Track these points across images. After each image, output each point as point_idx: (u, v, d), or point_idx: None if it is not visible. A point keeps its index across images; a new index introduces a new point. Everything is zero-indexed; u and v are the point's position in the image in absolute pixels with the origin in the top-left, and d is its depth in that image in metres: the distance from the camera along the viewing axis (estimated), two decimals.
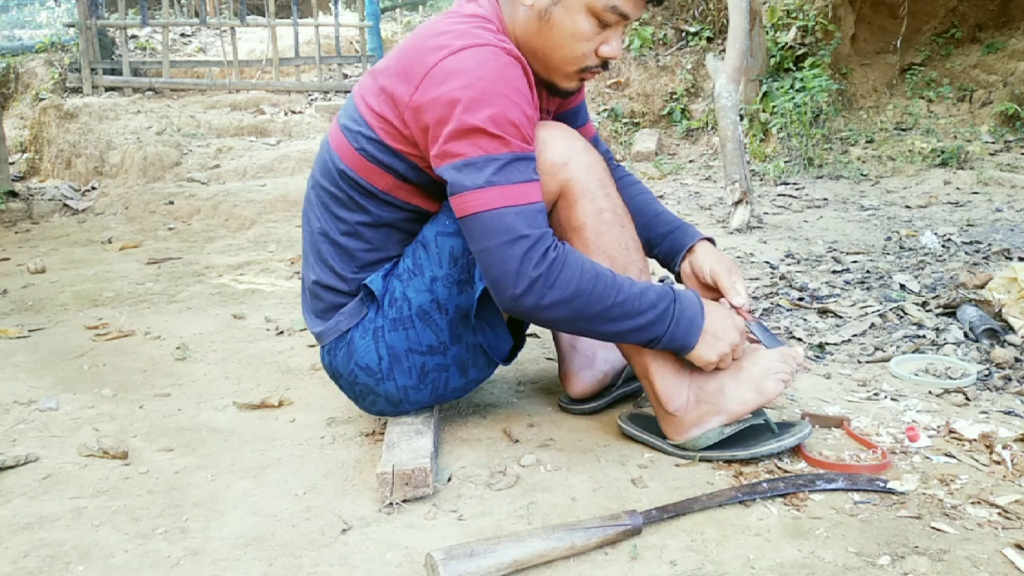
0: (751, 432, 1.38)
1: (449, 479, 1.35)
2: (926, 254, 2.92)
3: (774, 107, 5.18)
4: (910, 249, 3.02)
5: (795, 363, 1.38)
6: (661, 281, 1.43)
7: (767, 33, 5.56)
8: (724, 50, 3.90)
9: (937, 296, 2.28)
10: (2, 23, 7.30)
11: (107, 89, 5.80)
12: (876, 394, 1.68)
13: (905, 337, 2.03)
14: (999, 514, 1.20)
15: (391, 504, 1.26)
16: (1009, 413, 1.57)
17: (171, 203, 4.06)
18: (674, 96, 5.99)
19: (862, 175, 4.68)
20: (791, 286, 2.53)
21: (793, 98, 5.02)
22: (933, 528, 1.17)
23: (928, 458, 1.38)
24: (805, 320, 2.21)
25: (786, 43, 5.50)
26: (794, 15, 5.54)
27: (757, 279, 2.63)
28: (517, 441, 1.48)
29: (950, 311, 2.17)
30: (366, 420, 1.60)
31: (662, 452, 1.42)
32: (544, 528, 1.12)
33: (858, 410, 1.59)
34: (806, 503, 1.25)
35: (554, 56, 1.34)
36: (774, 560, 1.11)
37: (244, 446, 1.51)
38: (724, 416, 1.35)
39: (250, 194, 4.10)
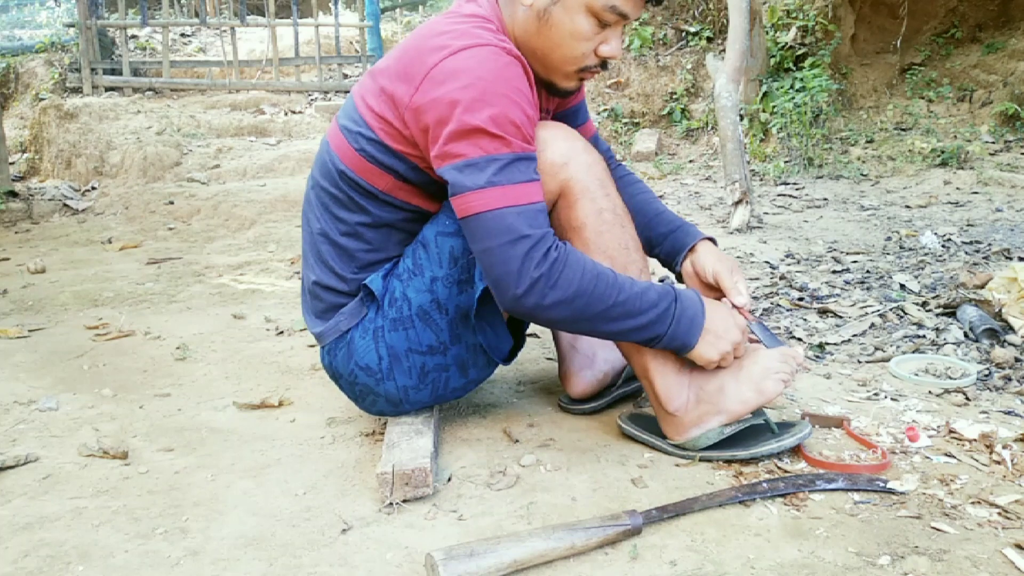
0: (751, 432, 1.38)
1: (449, 479, 1.35)
2: (926, 254, 2.92)
3: (774, 107, 5.18)
4: (910, 249, 3.02)
5: (795, 363, 1.38)
6: (661, 281, 1.42)
7: (767, 33, 5.56)
8: (724, 50, 3.90)
9: (937, 296, 2.28)
10: (2, 23, 7.30)
11: (107, 89, 5.80)
12: (876, 394, 1.68)
13: (905, 337, 2.03)
14: (999, 514, 1.20)
15: (391, 504, 1.26)
16: (1009, 413, 1.57)
17: (171, 203, 4.06)
18: (674, 96, 5.99)
19: (862, 175, 4.68)
20: (791, 286, 2.53)
21: (793, 98, 5.02)
22: (933, 528, 1.17)
23: (928, 458, 1.38)
24: (805, 320, 2.21)
25: (786, 43, 5.50)
26: (794, 15, 5.54)
27: (757, 279, 2.63)
28: (517, 441, 1.48)
29: (950, 311, 2.17)
30: (366, 420, 1.60)
31: (662, 452, 1.42)
32: (544, 528, 1.12)
33: (858, 410, 1.59)
34: (806, 503, 1.25)
35: (553, 56, 1.34)
36: (774, 560, 1.11)
37: (244, 446, 1.51)
38: (724, 416, 1.35)
39: (250, 194, 4.10)
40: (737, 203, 3.46)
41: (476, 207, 1.21)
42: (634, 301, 1.26)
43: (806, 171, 4.81)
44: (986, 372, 1.79)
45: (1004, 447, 1.39)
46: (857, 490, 1.27)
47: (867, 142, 5.20)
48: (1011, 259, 2.79)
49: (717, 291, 1.47)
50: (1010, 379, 1.75)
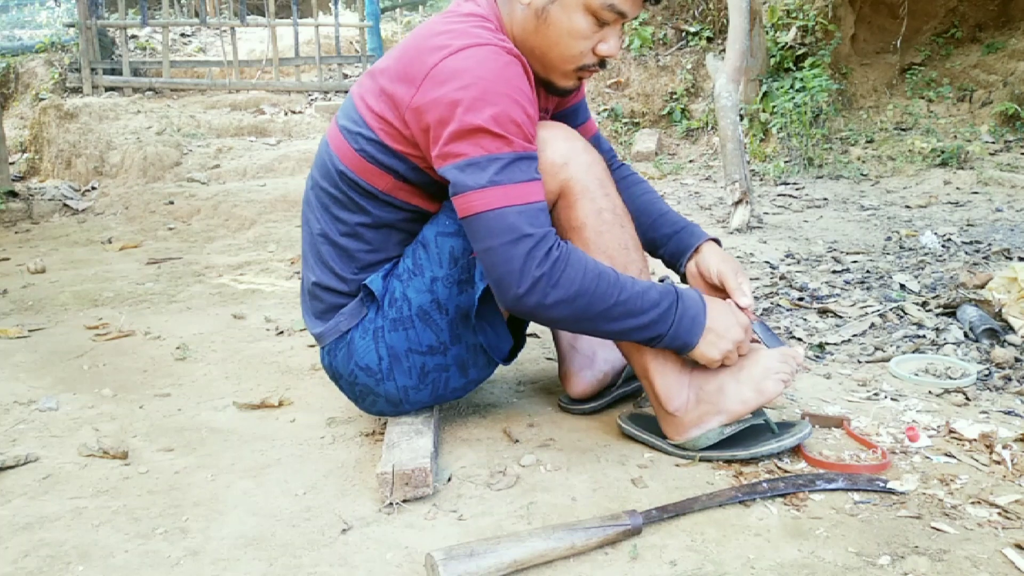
0: (751, 432, 1.38)
1: (449, 479, 1.35)
2: (926, 254, 2.92)
3: (774, 107, 5.18)
4: (910, 249, 3.02)
5: (795, 363, 1.38)
6: (661, 281, 1.42)
7: (767, 33, 5.56)
8: (724, 50, 3.90)
9: (937, 296, 2.28)
10: (2, 23, 7.31)
11: (107, 89, 5.80)
12: (876, 394, 1.68)
13: (905, 337, 2.03)
14: (999, 514, 1.20)
15: (391, 504, 1.26)
16: (1009, 413, 1.57)
17: (171, 203, 4.06)
18: (674, 96, 5.99)
19: (862, 175, 4.68)
20: (791, 286, 2.53)
21: (793, 98, 5.02)
22: (933, 528, 1.17)
23: (928, 458, 1.38)
24: (805, 320, 2.21)
25: (786, 43, 5.50)
26: (794, 15, 5.54)
27: (757, 279, 2.63)
28: (517, 441, 1.48)
29: (950, 311, 2.17)
30: (366, 420, 1.60)
31: (662, 452, 1.42)
32: (544, 528, 1.12)
33: (858, 410, 1.59)
34: (806, 503, 1.25)
35: (551, 54, 1.34)
36: (774, 560, 1.11)
37: (244, 446, 1.51)
38: (724, 416, 1.35)
39: (250, 194, 4.10)
40: (737, 203, 3.46)
41: (478, 206, 1.21)
42: (635, 300, 1.26)
43: (806, 171, 4.81)
44: (986, 372, 1.79)
45: (1004, 447, 1.39)
46: (857, 490, 1.27)
47: (867, 142, 5.20)
48: (1011, 259, 2.79)
49: (721, 292, 1.46)
50: (1010, 379, 1.75)
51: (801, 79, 5.18)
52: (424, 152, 1.30)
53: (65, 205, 4.20)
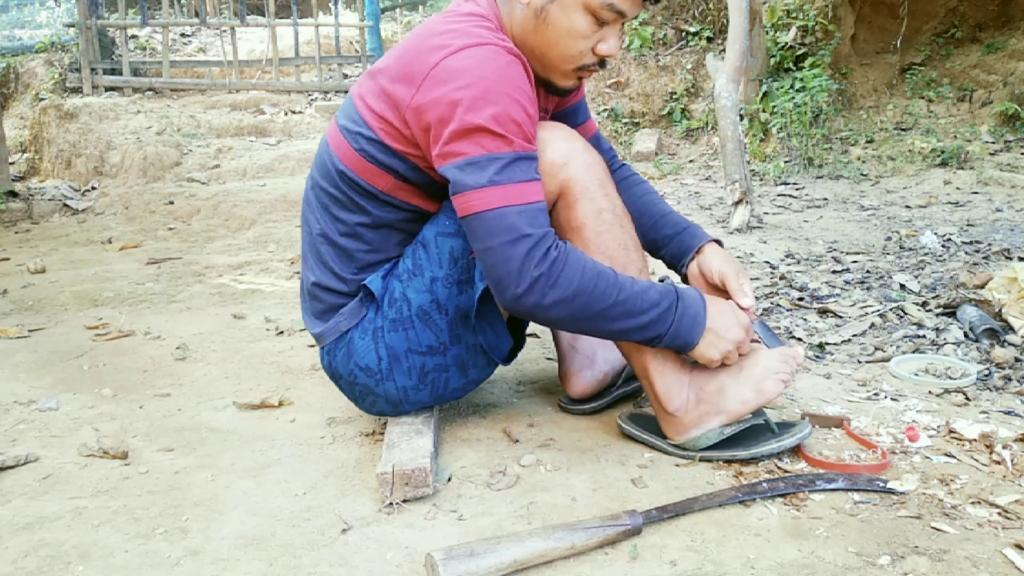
0: (751, 432, 1.38)
1: (449, 479, 1.35)
2: (926, 254, 2.92)
3: (774, 107, 5.18)
4: (910, 249, 3.02)
5: (795, 363, 1.38)
6: (661, 281, 1.42)
7: (767, 33, 5.56)
8: (724, 50, 3.90)
9: (937, 296, 2.28)
10: (2, 23, 7.31)
11: (107, 89, 5.80)
12: (876, 394, 1.68)
13: (905, 337, 2.03)
14: (999, 514, 1.20)
15: (391, 504, 1.26)
16: (1009, 413, 1.57)
17: (171, 203, 4.06)
18: (674, 96, 5.99)
19: (862, 175, 4.68)
20: (791, 286, 2.53)
21: (793, 98, 5.02)
22: (933, 528, 1.17)
23: (928, 458, 1.38)
24: (805, 320, 2.21)
25: (786, 43, 5.50)
26: (794, 15, 5.54)
27: (757, 279, 2.63)
28: (517, 441, 1.48)
29: (950, 311, 2.17)
30: (366, 420, 1.60)
31: (662, 452, 1.42)
32: (544, 528, 1.12)
33: (858, 410, 1.59)
34: (806, 503, 1.25)
35: (551, 54, 1.34)
36: (774, 560, 1.11)
37: (244, 446, 1.51)
38: (724, 416, 1.35)
39: (250, 194, 4.10)
40: (737, 203, 3.46)
41: (477, 206, 1.21)
42: (635, 300, 1.26)
43: (806, 171, 4.81)
44: (986, 372, 1.79)
45: (1004, 447, 1.39)
46: (857, 490, 1.27)
47: (867, 142, 5.20)
48: (1011, 259, 2.79)
49: (723, 293, 1.46)
50: (1010, 379, 1.75)
51: (801, 79, 5.18)
52: (424, 152, 1.30)
53: (65, 205, 4.20)
